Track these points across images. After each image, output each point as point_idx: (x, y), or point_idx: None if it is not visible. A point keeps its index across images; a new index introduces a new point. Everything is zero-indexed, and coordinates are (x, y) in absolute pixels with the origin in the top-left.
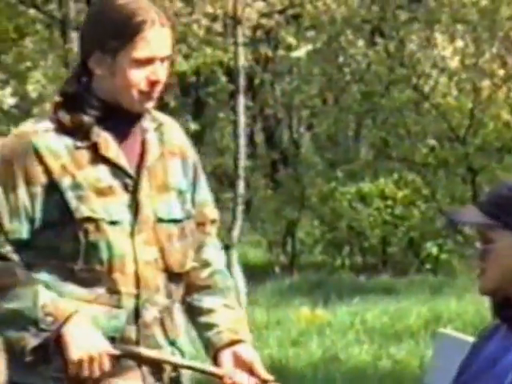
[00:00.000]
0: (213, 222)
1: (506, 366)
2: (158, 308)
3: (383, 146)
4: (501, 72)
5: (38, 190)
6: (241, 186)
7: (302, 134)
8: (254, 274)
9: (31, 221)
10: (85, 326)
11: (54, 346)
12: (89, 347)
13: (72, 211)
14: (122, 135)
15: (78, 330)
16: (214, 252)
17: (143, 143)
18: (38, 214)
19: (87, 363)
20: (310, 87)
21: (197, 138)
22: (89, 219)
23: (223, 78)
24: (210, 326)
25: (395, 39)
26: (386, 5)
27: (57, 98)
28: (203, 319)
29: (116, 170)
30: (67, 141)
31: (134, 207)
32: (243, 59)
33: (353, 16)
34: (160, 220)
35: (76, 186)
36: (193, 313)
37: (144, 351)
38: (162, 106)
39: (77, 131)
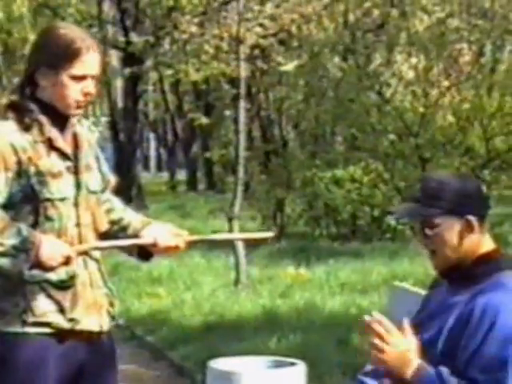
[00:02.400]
0: (110, 183)
1: (449, 312)
2: (95, 259)
3: (353, 141)
4: (445, 82)
5: (10, 176)
6: (241, 171)
7: (290, 131)
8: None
9: (2, 198)
10: (51, 241)
11: (36, 262)
12: (60, 252)
13: (36, 193)
14: (61, 129)
15: (49, 246)
16: (112, 197)
17: (75, 135)
18: (5, 195)
19: (62, 259)
20: (296, 94)
21: (207, 133)
22: (47, 199)
23: (226, 86)
24: (126, 227)
25: (363, 56)
26: (356, 30)
27: (5, 103)
28: (117, 226)
29: (62, 157)
30: (29, 137)
31: (77, 185)
32: (243, 71)
33: (329, 38)
34: (90, 192)
35: (38, 173)
36: (109, 230)
37: (97, 244)
38: (179, 108)
39: (33, 129)
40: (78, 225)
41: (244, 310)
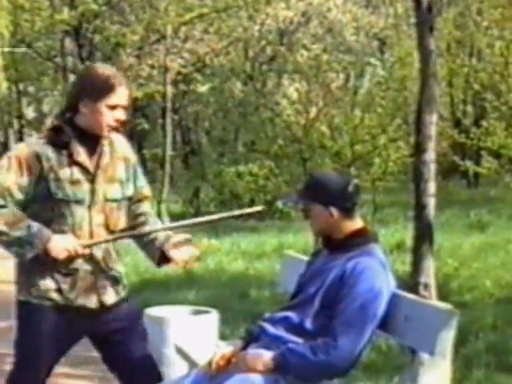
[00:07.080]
0: (147, 197)
1: (329, 271)
2: (103, 250)
3: (252, 144)
4: (321, 102)
5: (33, 179)
6: (167, 167)
7: (203, 136)
8: (174, 218)
9: (26, 195)
10: (59, 238)
11: (43, 255)
12: (65, 246)
13: (52, 194)
14: (89, 148)
15: (55, 242)
16: (149, 211)
17: (100, 153)
18: (28, 196)
19: (68, 253)
20: (209, 109)
21: (141, 138)
22: (62, 200)
23: (160, 101)
24: (153, 239)
25: (260, 81)
26: (255, 60)
27: (48, 126)
28: (146, 238)
29: (82, 169)
30: (55, 150)
31: (92, 192)
32: (169, 92)
33: (236, 67)
34: (106, 199)
35: (57, 180)
36: (141, 238)
37: (105, 238)
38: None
39: (60, 145)
40: (90, 223)
41: (169, 270)
